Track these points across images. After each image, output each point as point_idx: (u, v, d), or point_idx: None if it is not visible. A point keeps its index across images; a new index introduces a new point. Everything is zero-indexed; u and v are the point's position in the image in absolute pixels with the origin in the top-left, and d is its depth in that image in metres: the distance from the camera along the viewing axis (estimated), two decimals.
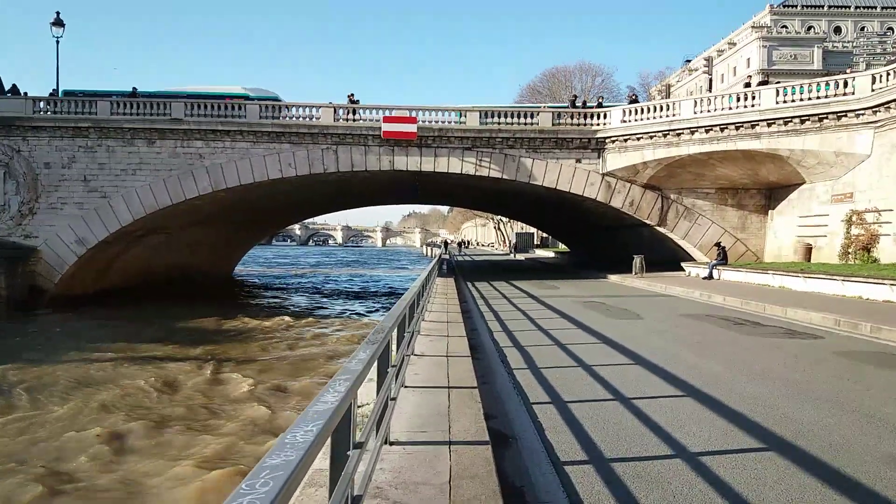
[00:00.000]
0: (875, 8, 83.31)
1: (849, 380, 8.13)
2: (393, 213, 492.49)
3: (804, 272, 20.51)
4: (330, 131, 29.82)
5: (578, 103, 33.59)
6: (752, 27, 78.94)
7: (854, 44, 77.39)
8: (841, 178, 24.54)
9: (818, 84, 24.51)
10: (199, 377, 16.09)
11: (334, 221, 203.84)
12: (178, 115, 29.51)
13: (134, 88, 32.23)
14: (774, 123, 25.05)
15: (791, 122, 24.58)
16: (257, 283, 50.71)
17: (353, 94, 32.45)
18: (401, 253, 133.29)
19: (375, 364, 4.02)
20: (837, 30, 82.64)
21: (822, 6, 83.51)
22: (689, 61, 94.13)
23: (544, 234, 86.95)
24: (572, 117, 30.63)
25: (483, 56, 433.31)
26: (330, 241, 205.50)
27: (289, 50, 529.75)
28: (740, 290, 20.15)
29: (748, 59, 77.11)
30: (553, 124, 30.22)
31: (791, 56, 75.00)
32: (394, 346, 6.24)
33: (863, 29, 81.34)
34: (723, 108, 26.67)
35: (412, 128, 29.46)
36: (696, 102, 27.85)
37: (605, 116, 30.22)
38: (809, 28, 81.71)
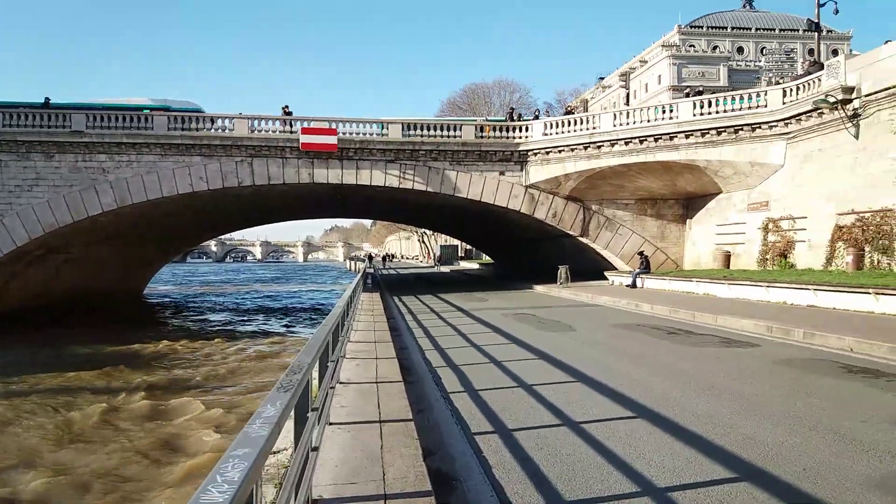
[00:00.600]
0: (774, 30, 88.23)
1: (799, 391, 7.84)
2: (315, 228, 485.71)
3: (728, 279, 20.79)
4: (245, 143, 28.47)
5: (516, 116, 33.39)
6: (662, 46, 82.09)
7: (756, 63, 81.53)
8: (756, 187, 25.21)
9: (733, 97, 25.16)
10: (93, 417, 14.50)
11: (253, 237, 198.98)
12: (80, 128, 27.48)
13: (47, 99, 29.71)
14: (692, 135, 25.54)
15: (708, 133, 25.10)
16: (169, 302, 48.13)
17: (287, 107, 31.21)
18: (323, 268, 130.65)
19: (292, 413, 3.22)
20: (740, 49, 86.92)
21: (726, 27, 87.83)
22: (602, 78, 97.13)
23: (468, 247, 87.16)
24: (495, 130, 30.44)
25: (403, 72, 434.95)
26: (248, 258, 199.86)
27: (211, 61, 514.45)
28: (666, 298, 20.20)
29: (659, 75, 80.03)
30: (476, 137, 29.93)
31: (699, 73, 78.35)
32: (314, 381, 5.41)
33: (763, 49, 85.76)
34: (641, 121, 27.03)
35: (332, 140, 28.50)
36: (615, 115, 28.15)
37: (527, 129, 30.17)
38: (715, 47, 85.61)
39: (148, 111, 28.99)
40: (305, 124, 29.01)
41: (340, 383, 7.76)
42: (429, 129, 29.93)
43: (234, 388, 17.22)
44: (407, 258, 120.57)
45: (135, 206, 28.37)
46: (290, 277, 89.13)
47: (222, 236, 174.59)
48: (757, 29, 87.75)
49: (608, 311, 18.60)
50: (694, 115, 25.66)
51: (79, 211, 27.09)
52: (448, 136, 29.67)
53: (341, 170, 29.05)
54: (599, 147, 27.79)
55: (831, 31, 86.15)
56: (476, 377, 9.07)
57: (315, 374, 5.66)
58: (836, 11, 27.37)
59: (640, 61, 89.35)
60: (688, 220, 30.54)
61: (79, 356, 22.28)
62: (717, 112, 25.01)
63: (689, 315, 15.93)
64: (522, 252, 44.42)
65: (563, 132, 28.99)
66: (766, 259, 24.14)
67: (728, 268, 26.36)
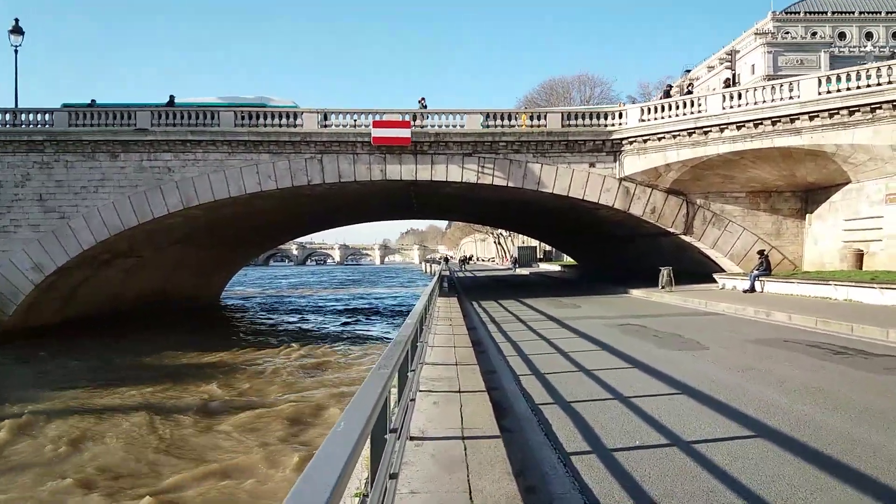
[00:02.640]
0: (880, 13, 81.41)
1: None
2: (390, 231, 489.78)
3: (879, 282, 17.25)
4: (314, 139, 26.69)
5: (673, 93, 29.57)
6: (756, 34, 76.83)
7: (861, 48, 75.21)
8: None
9: (867, 71, 21.43)
10: (177, 428, 12.90)
11: (331, 240, 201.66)
12: (144, 125, 26.36)
13: (171, 97, 29.07)
14: (817, 116, 21.94)
15: (837, 113, 21.45)
16: (248, 306, 47.38)
17: (423, 99, 28.99)
18: (400, 270, 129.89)
19: None
20: (842, 35, 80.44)
21: (826, 12, 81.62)
22: (688, 71, 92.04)
23: (547, 248, 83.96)
24: (584, 117, 27.55)
25: (479, 68, 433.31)
26: (328, 261, 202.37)
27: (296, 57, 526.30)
28: (800, 306, 16.93)
29: (752, 65, 74.95)
30: (563, 125, 27.13)
31: (797, 61, 72.67)
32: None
33: (868, 34, 79.24)
34: (756, 102, 23.60)
35: (405, 133, 26.36)
36: (724, 97, 24.75)
37: (621, 115, 27.14)
38: (814, 34, 79.60)
39: (213, 107, 27.65)
40: (378, 117, 27.01)
41: (413, 439, 5.35)
42: (510, 119, 27.38)
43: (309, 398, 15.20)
44: (483, 260, 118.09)
45: (201, 206, 27.09)
46: (369, 281, 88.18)
47: (302, 240, 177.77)
48: (861, 12, 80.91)
49: (734, 322, 15.52)
50: (819, 93, 22.05)
51: (144, 212, 25.95)
52: (531, 126, 27.01)
53: (415, 165, 26.86)
54: (706, 132, 24.48)
55: None
56: (600, 423, 6.50)
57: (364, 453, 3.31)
58: None
59: (731, 51, 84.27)
60: (807, 215, 26.75)
61: (151, 369, 20.94)
62: (848, 89, 21.35)
63: (846, 327, 12.75)
64: (611, 252, 41.14)
65: (662, 117, 25.82)
66: None
67: (860, 269, 22.61)
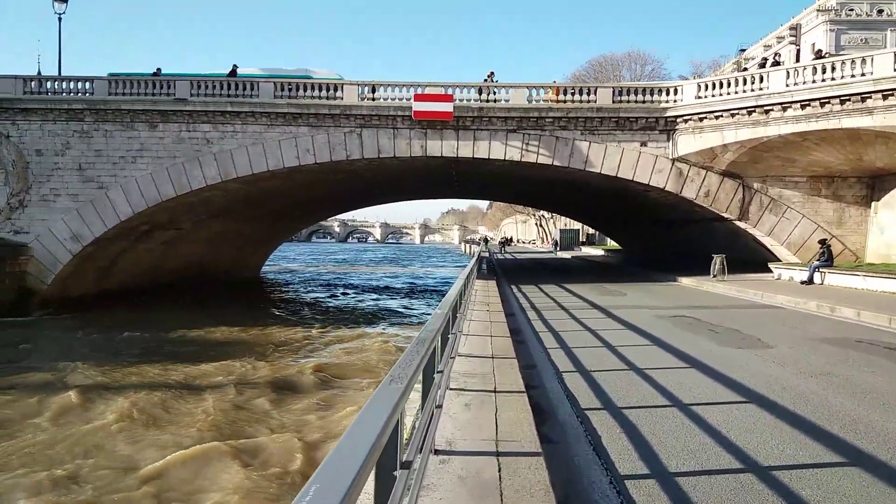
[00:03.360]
0: None
1: None
2: (431, 211, 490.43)
3: None
4: (353, 112, 25.92)
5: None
6: (818, 10, 73.19)
7: None
8: None
9: None
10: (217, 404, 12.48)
11: (373, 218, 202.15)
12: (183, 95, 25.95)
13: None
14: (892, 95, 20.22)
15: None
16: (289, 280, 47.29)
17: (493, 73, 28.42)
18: (439, 250, 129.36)
19: None
20: None
21: None
22: (743, 50, 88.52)
23: (591, 231, 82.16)
24: (636, 93, 26.15)
25: (526, 44, 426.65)
26: (369, 239, 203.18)
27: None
28: (867, 301, 15.56)
29: (813, 43, 71.34)
30: (613, 101, 25.77)
31: (861, 40, 69.06)
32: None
33: None
34: (823, 80, 21.91)
35: (448, 107, 25.38)
36: (788, 73, 23.10)
37: (676, 92, 25.64)
38: (881, 11, 75.69)
39: (253, 78, 27.08)
40: (419, 90, 26.08)
41: (438, 453, 4.53)
42: (557, 94, 26.16)
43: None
44: (523, 242, 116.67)
45: (239, 179, 26.67)
46: (409, 260, 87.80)
47: (343, 217, 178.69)
48: None
49: (796, 317, 14.27)
50: (895, 69, 20.29)
51: (181, 184, 25.62)
52: (580, 101, 25.74)
53: (457, 141, 25.89)
54: (768, 112, 22.89)
55: None
56: (658, 436, 5.58)
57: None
58: None
59: (790, 28, 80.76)
60: (873, 203, 24.98)
61: (185, 342, 20.68)
62: None
63: None
64: (659, 238, 39.60)
65: (721, 94, 24.26)
66: None
67: None
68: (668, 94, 25.69)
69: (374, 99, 26.31)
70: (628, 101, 25.73)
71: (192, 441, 10.65)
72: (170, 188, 25.67)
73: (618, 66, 76.14)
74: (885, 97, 20.36)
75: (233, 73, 28.15)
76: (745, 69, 32.94)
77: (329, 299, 35.57)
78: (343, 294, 38.53)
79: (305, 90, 26.64)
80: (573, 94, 25.97)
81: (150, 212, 26.26)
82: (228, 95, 26.35)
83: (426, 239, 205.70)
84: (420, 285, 44.49)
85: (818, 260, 21.80)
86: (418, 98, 25.65)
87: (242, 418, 12.22)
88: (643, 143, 25.69)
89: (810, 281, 21.32)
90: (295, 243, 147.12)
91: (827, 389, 7.29)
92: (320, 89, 26.64)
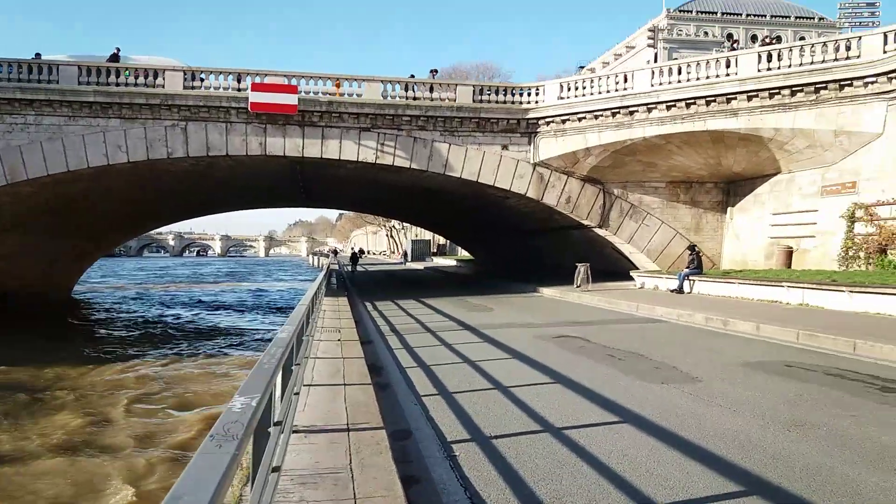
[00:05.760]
0: (765, 16, 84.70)
1: None
2: (277, 222, 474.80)
3: (846, 284, 14.94)
4: (177, 102, 22.01)
5: None
6: (650, 30, 77.53)
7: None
8: (836, 164, 19.62)
9: (811, 46, 19.47)
10: None
11: (212, 230, 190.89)
12: None
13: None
14: (756, 96, 19.81)
15: (779, 93, 19.39)
16: (106, 301, 41.13)
17: (436, 70, 26.73)
18: (286, 263, 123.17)
19: None
20: (730, 36, 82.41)
21: (716, 12, 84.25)
22: (582, 67, 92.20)
23: (442, 241, 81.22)
24: (497, 93, 24.38)
25: (378, 56, 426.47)
26: (209, 252, 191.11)
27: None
28: (755, 311, 14.42)
29: (648, 61, 75.34)
30: (474, 101, 23.83)
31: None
32: None
33: (753, 37, 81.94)
34: (689, 80, 21.24)
35: (291, 99, 22.17)
36: (653, 72, 22.31)
37: (538, 92, 24.14)
38: (705, 33, 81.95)
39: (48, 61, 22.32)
40: (258, 79, 22.63)
41: None
42: (415, 90, 23.77)
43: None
44: (374, 254, 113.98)
45: (35, 183, 21.82)
46: (250, 273, 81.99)
47: (178, 229, 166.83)
48: (748, 15, 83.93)
49: (690, 334, 12.59)
50: (759, 70, 19.92)
51: None
52: (439, 100, 23.53)
53: (302, 139, 22.71)
54: (632, 113, 21.91)
55: (822, 19, 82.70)
56: None
57: None
58: None
59: (627, 47, 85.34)
60: (729, 209, 24.91)
61: None
62: (791, 65, 19.29)
63: (844, 344, 10.06)
64: (516, 247, 38.43)
65: (584, 95, 23.05)
66: (854, 257, 18.55)
67: (789, 267, 20.81)
68: (529, 94, 24.15)
69: (204, 88, 22.52)
70: (489, 102, 23.90)
71: None
72: None
73: (468, 77, 76.05)
74: (749, 98, 19.92)
75: (114, 58, 23.36)
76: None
77: (152, 324, 30.68)
78: (168, 317, 33.62)
79: (118, 75, 22.31)
80: (433, 90, 23.69)
81: None
82: (19, 80, 21.47)
83: (272, 252, 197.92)
84: (263, 303, 40.29)
85: (688, 268, 20.95)
86: (256, 88, 22.22)
87: None
88: (504, 147, 23.95)
89: (680, 289, 20.40)
90: (123, 258, 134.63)
91: (820, 453, 5.19)
92: (137, 75, 22.44)
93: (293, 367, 5.24)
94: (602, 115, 22.46)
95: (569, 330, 13.22)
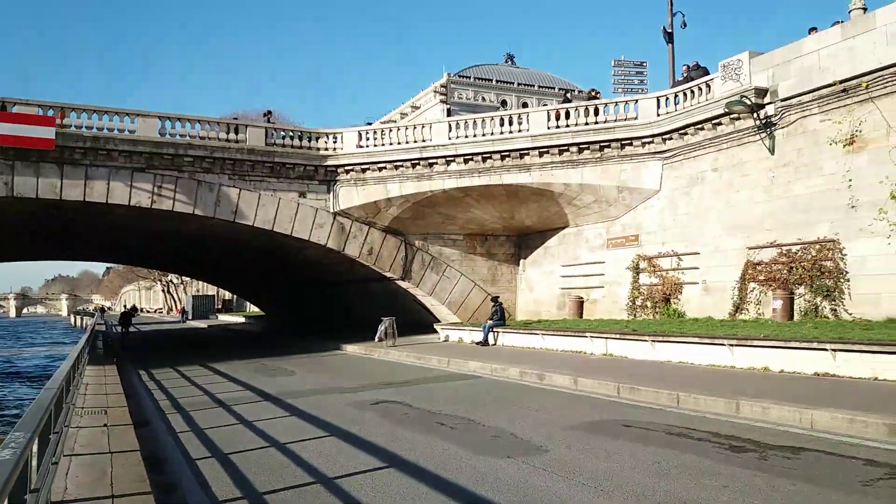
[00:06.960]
0: (534, 86, 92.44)
1: None
2: (32, 277, 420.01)
3: (640, 333, 15.44)
4: None
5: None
6: (435, 91, 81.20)
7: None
8: (620, 218, 20.91)
9: (594, 108, 20.73)
10: None
11: None
12: None
13: None
14: (548, 152, 20.59)
15: (567, 150, 20.31)
16: None
17: (270, 112, 26.42)
18: (43, 325, 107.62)
19: None
20: (504, 102, 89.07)
21: (491, 80, 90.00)
22: (369, 124, 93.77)
23: (227, 296, 76.16)
24: (292, 137, 22.97)
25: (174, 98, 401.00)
26: None
27: None
28: (567, 363, 14.36)
29: (439, 120, 78.55)
30: (267, 144, 22.19)
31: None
32: None
33: (524, 104, 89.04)
34: (485, 134, 21.59)
35: (48, 132, 18.90)
36: (451, 126, 22.43)
37: (336, 139, 23.15)
38: (483, 98, 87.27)
39: None
40: (8, 108, 19.03)
41: None
42: (198, 128, 21.54)
43: None
44: (149, 311, 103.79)
45: None
46: None
47: None
48: (519, 84, 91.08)
49: (512, 391, 11.99)
50: (549, 127, 20.78)
51: None
52: (227, 141, 21.55)
53: (60, 179, 19.35)
54: (432, 165, 21.73)
55: (581, 91, 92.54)
56: None
57: None
58: (684, 25, 24.63)
59: (412, 106, 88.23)
60: (521, 261, 25.65)
61: None
62: (577, 124, 20.37)
63: (666, 397, 9.97)
64: (312, 300, 36.55)
65: (384, 144, 22.50)
66: (641, 306, 19.67)
67: (581, 316, 21.67)
68: (327, 140, 23.08)
69: None
70: (284, 146, 22.40)
71: None
72: None
73: (257, 122, 73.46)
74: (541, 154, 20.60)
75: None
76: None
77: None
78: None
79: None
80: (219, 129, 21.66)
81: None
82: None
83: (25, 311, 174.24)
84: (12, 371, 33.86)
85: (492, 319, 20.87)
86: (5, 118, 18.64)
87: None
88: (302, 194, 22.52)
89: (485, 342, 20.18)
90: None
91: None
92: None
93: (31, 487, 3.46)
94: (402, 166, 22.02)
95: (385, 393, 12.02)
